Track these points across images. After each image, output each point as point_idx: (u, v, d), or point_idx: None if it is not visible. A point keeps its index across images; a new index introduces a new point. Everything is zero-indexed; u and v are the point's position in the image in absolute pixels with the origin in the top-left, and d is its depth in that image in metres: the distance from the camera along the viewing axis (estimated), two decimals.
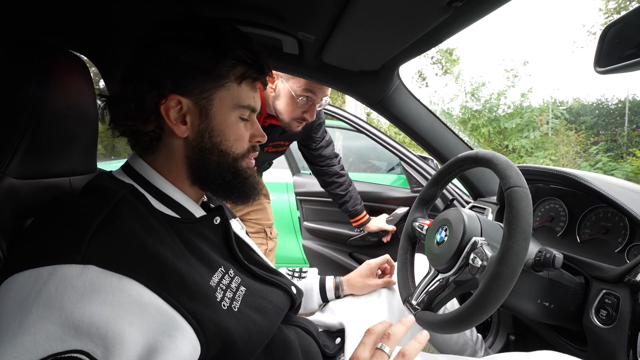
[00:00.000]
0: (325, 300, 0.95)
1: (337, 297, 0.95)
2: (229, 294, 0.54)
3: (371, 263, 0.97)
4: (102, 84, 0.94)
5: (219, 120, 0.58)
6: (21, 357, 0.36)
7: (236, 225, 0.73)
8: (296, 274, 0.96)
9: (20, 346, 0.36)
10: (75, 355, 0.37)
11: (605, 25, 0.64)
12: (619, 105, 8.49)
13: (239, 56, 0.57)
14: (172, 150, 0.58)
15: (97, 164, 0.73)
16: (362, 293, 0.95)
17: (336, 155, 1.57)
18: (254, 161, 0.66)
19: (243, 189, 0.62)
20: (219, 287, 0.53)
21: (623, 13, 0.62)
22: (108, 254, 0.43)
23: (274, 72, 1.11)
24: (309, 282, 0.95)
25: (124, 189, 0.52)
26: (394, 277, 0.96)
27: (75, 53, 0.66)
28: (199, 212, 0.61)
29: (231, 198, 0.63)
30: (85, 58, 0.84)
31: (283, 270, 0.96)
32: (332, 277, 0.97)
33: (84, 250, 0.42)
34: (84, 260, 0.41)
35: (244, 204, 0.65)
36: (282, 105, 1.14)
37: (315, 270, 0.99)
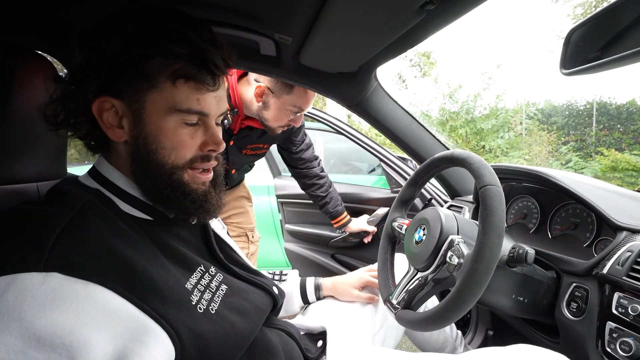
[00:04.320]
0: (306, 302, 0.94)
1: (318, 298, 0.95)
2: (207, 295, 0.53)
3: (364, 277, 0.95)
4: None
5: (153, 126, 0.51)
6: None
7: (217, 225, 0.72)
8: (276, 277, 0.96)
9: None
10: None
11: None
12: (587, 106, 8.89)
13: (171, 51, 0.49)
14: (119, 154, 0.55)
15: (71, 168, 0.71)
16: (342, 299, 0.95)
17: (316, 158, 1.58)
18: (209, 175, 0.58)
19: (182, 204, 0.55)
20: (196, 289, 0.52)
21: (586, 17, 0.65)
22: (72, 260, 0.41)
23: (266, 87, 1.11)
24: (290, 284, 0.94)
25: (89, 193, 0.50)
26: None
27: (42, 54, 0.64)
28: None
29: (173, 212, 0.57)
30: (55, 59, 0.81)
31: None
32: (312, 278, 0.96)
33: (45, 257, 0.40)
34: (46, 267, 0.39)
35: (188, 219, 0.60)
36: (270, 115, 1.16)
37: (295, 272, 0.99)
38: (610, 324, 0.65)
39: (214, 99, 0.54)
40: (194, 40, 0.50)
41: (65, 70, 0.85)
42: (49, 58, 0.66)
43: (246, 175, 1.66)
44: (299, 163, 1.54)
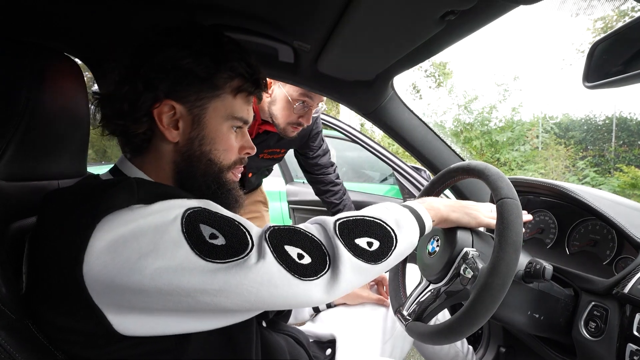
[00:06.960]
0: (316, 310, 0.94)
1: (329, 306, 0.94)
2: None
3: None
4: (95, 88, 0.94)
5: (211, 129, 0.58)
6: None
7: None
8: None
9: None
10: None
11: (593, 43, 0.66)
12: (607, 121, 8.69)
13: (237, 68, 0.57)
14: (161, 154, 0.58)
15: (87, 168, 0.73)
16: (353, 303, 0.94)
17: (332, 164, 1.58)
18: (239, 176, 0.66)
19: (225, 200, 0.61)
20: None
21: (610, 31, 0.64)
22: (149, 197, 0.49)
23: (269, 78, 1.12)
24: None
25: None
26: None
27: (70, 56, 0.66)
28: None
29: None
30: (80, 62, 0.84)
31: None
32: None
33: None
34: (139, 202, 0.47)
35: None
36: (278, 110, 1.15)
37: None
38: (631, 346, 0.62)
39: (252, 109, 0.64)
40: (250, 62, 0.59)
41: (88, 74, 0.88)
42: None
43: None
44: (315, 168, 1.54)
